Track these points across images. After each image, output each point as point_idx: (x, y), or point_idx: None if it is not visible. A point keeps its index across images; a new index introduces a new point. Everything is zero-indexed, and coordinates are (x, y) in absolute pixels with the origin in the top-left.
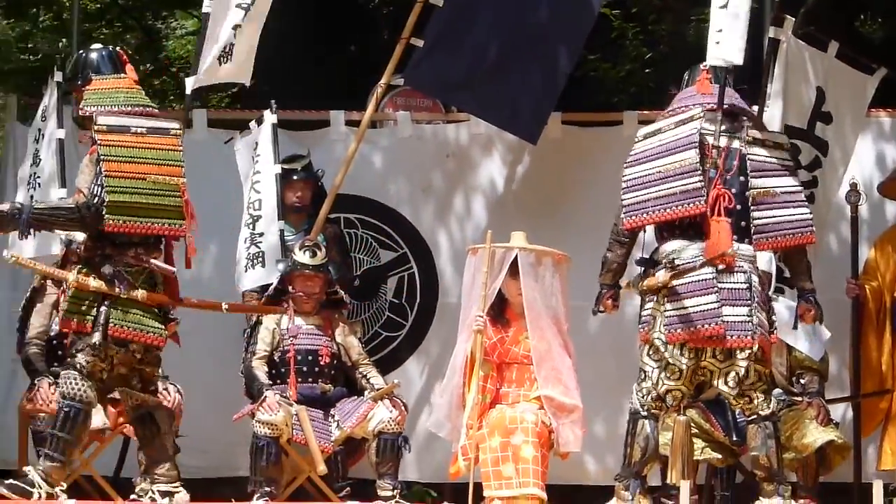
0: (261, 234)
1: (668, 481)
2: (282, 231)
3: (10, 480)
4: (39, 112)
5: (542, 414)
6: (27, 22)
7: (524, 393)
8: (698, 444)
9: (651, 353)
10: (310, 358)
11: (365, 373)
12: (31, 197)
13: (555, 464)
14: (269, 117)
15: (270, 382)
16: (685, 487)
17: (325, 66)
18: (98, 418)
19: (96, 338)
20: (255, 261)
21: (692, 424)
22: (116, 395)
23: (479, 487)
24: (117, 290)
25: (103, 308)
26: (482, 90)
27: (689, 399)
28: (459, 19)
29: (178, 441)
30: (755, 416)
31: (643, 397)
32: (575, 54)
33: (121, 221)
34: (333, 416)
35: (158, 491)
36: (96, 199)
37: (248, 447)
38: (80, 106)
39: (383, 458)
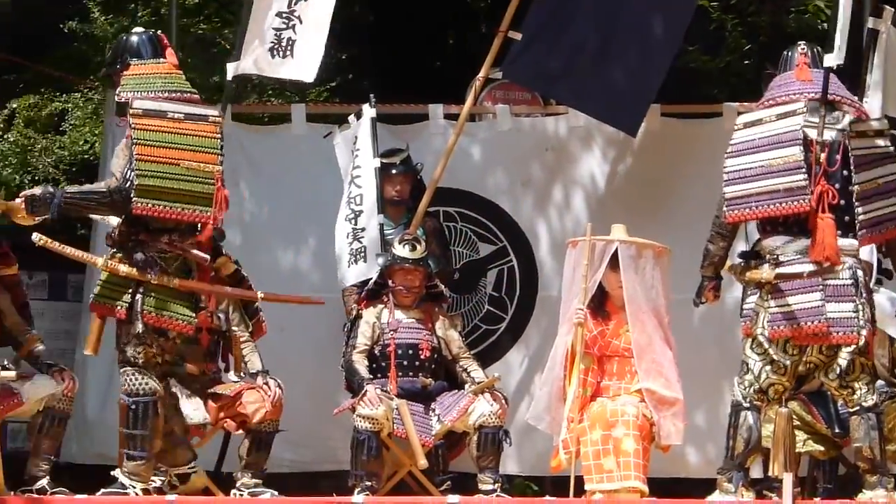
0: (362, 229)
1: (770, 474)
2: (381, 225)
3: (102, 490)
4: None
5: (643, 407)
6: (126, 18)
7: (625, 386)
8: (800, 436)
9: (754, 346)
10: (410, 352)
11: (465, 366)
12: None
13: (656, 456)
14: (369, 111)
15: (371, 377)
16: (788, 480)
17: (423, 60)
18: (199, 414)
19: (139, 327)
20: (358, 256)
21: (794, 416)
22: (217, 389)
23: (580, 481)
24: (148, 276)
25: (139, 295)
26: (581, 82)
27: (791, 392)
28: (558, 11)
29: (278, 435)
30: (858, 408)
31: (745, 389)
32: (674, 46)
33: (149, 204)
34: (434, 410)
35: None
36: (128, 183)
37: (349, 441)
38: (118, 91)
39: (484, 452)
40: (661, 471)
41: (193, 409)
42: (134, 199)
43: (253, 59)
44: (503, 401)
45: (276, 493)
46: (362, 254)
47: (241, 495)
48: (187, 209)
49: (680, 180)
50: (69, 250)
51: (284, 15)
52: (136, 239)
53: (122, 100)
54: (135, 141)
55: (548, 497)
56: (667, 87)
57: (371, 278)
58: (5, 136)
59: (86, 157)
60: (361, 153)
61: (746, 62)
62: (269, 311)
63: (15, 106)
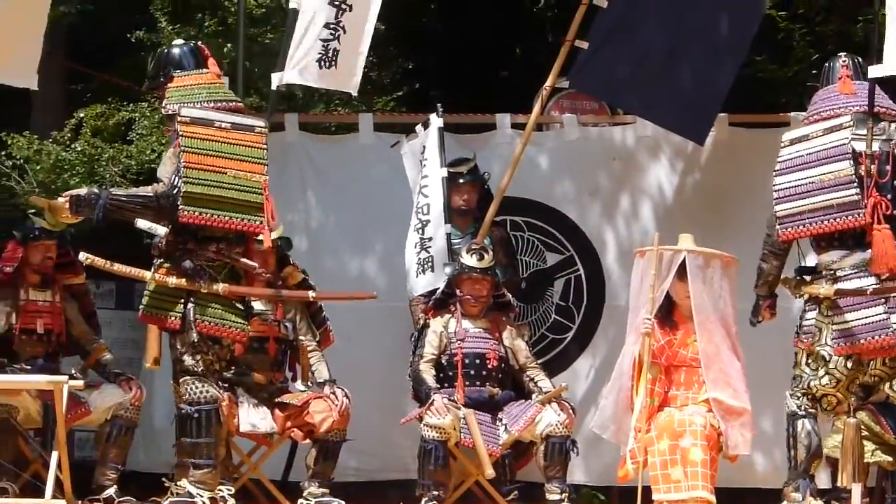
0: (430, 239)
1: (838, 484)
2: (448, 234)
3: (169, 500)
4: None
5: (710, 417)
6: (192, 27)
7: (692, 396)
8: (869, 446)
9: (810, 361)
10: (477, 361)
11: (532, 376)
12: None
13: (723, 466)
14: (436, 121)
15: (438, 386)
16: (856, 490)
17: (490, 69)
18: (266, 423)
19: (193, 336)
20: (426, 265)
21: (862, 427)
22: (284, 399)
23: (647, 491)
24: (198, 284)
25: (190, 305)
26: (648, 91)
27: (846, 404)
28: (624, 20)
29: (345, 444)
30: None
31: (798, 399)
32: (741, 55)
33: (196, 213)
34: (501, 420)
35: None
36: (175, 189)
37: (416, 450)
38: (163, 104)
39: (551, 462)
40: (729, 480)
41: (261, 419)
42: (181, 206)
43: (299, 70)
44: (570, 410)
45: (342, 502)
46: (430, 263)
47: None
48: (235, 218)
49: (747, 190)
50: (116, 267)
51: (332, 26)
52: (184, 248)
53: (169, 111)
54: (183, 148)
55: None
56: (734, 96)
57: (439, 288)
58: (72, 146)
59: (152, 166)
60: (429, 163)
61: (814, 71)
62: (337, 321)
63: (82, 115)
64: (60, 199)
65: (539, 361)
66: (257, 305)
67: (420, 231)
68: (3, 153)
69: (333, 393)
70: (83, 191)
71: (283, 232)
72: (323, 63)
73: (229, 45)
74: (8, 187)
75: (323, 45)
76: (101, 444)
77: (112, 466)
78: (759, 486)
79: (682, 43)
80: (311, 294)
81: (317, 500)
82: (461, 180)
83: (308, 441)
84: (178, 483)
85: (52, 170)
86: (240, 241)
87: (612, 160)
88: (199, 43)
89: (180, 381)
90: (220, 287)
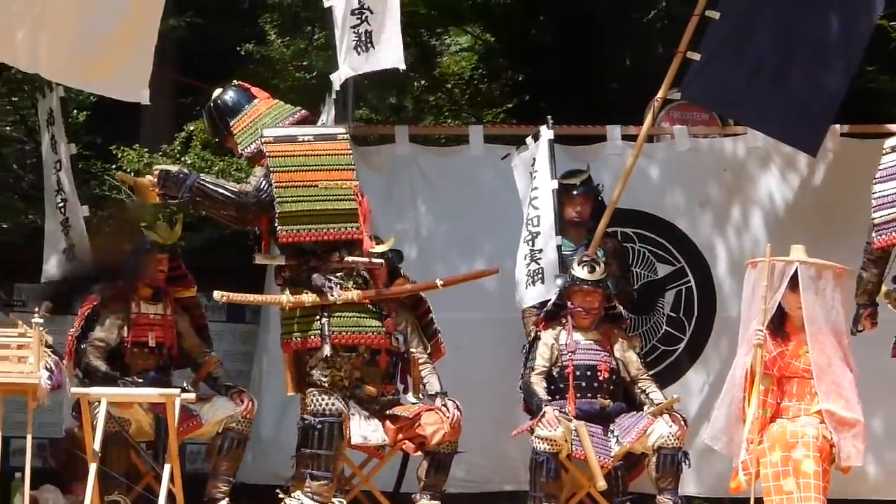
0: (540, 251)
1: None
2: (559, 246)
3: None
4: None
5: (823, 428)
6: (302, 40)
7: (805, 407)
8: None
9: None
10: (588, 373)
11: (644, 387)
12: None
13: (836, 477)
14: (546, 133)
15: (549, 398)
16: None
17: (600, 81)
18: (377, 435)
19: (326, 350)
20: (535, 277)
21: None
22: (396, 411)
23: (759, 502)
24: (332, 297)
25: (324, 319)
26: (760, 103)
27: None
28: (737, 32)
29: (457, 456)
30: None
31: None
32: (853, 66)
33: (294, 230)
34: (613, 432)
35: None
36: (262, 193)
37: (528, 462)
38: (239, 152)
39: (663, 473)
40: (842, 491)
41: (372, 431)
42: (279, 228)
43: (348, 64)
44: (682, 422)
45: None
46: (540, 275)
47: None
48: (332, 228)
49: (858, 201)
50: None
51: (356, 11)
52: (308, 267)
53: (250, 153)
54: (272, 168)
55: None
56: (846, 107)
57: (549, 300)
58: (182, 159)
59: None
60: (539, 175)
61: None
62: (448, 332)
63: (192, 128)
64: (148, 177)
65: (650, 373)
66: None
67: (530, 243)
68: (114, 167)
69: (445, 405)
70: (173, 168)
71: (394, 243)
72: (360, 48)
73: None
74: (118, 201)
75: (354, 32)
76: (213, 457)
77: (223, 479)
78: (872, 496)
79: (794, 54)
80: (438, 282)
81: None
82: (575, 192)
83: (419, 453)
84: (293, 494)
85: None
86: (356, 245)
87: (722, 171)
88: (237, 82)
89: (306, 392)
90: (354, 294)
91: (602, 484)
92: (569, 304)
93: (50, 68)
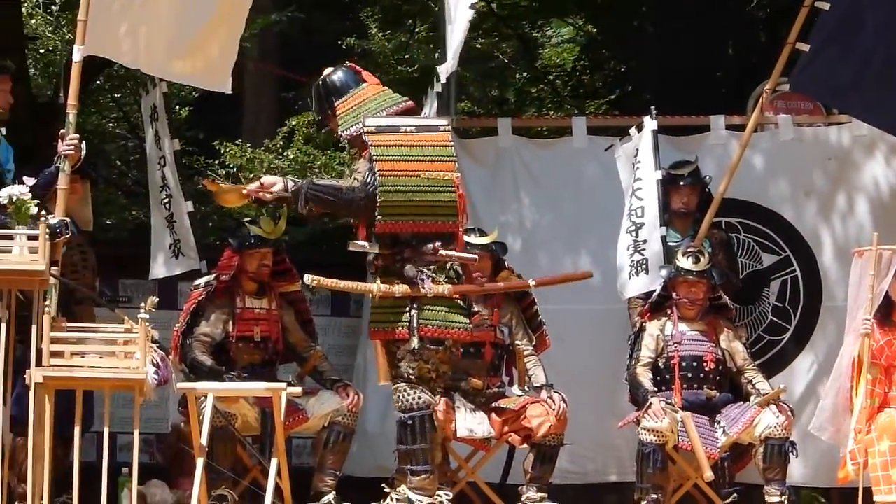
0: (644, 241)
1: None
2: (664, 237)
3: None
4: None
5: None
6: (403, 33)
7: None
8: None
9: None
10: (694, 364)
11: (750, 378)
12: None
13: None
14: (649, 123)
15: (655, 389)
16: None
17: (703, 71)
18: (483, 428)
19: (414, 342)
20: (639, 268)
21: None
22: (501, 403)
23: (868, 492)
24: (423, 290)
25: (413, 311)
26: (869, 93)
27: None
28: (847, 22)
29: (563, 448)
30: None
31: None
32: None
33: (393, 220)
34: (719, 422)
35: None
36: (370, 187)
37: (634, 453)
38: (340, 133)
39: (770, 464)
40: None
41: (478, 424)
42: (378, 217)
43: (454, 57)
44: (789, 412)
45: None
46: (643, 266)
47: None
48: (431, 220)
49: None
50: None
51: (474, 5)
52: (402, 258)
53: (349, 135)
54: (375, 157)
55: None
56: None
57: (654, 290)
58: (285, 153)
59: None
60: (643, 165)
61: None
62: (552, 324)
63: (294, 123)
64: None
65: (756, 363)
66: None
67: (633, 234)
68: (217, 161)
69: (550, 397)
70: (281, 184)
71: (497, 235)
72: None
73: (440, 50)
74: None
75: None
76: (319, 451)
77: (330, 473)
78: None
79: None
80: (531, 282)
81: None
82: (682, 183)
83: (525, 445)
84: (398, 489)
85: None
86: (453, 238)
87: (827, 159)
88: (348, 62)
89: (394, 387)
90: (445, 289)
91: (709, 475)
92: (674, 294)
93: (150, 63)
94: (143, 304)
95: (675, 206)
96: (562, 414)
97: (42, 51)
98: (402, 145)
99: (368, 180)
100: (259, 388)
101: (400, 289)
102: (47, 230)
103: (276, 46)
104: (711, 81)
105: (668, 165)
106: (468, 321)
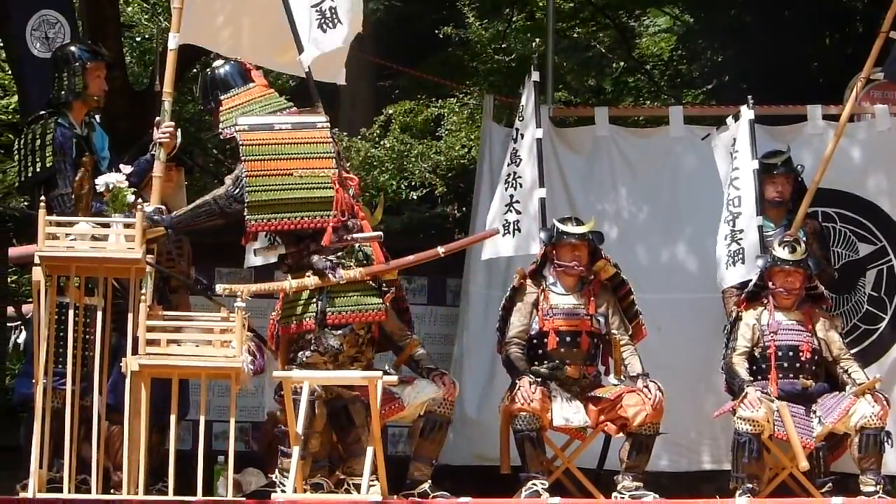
0: (741, 231)
1: None
2: (760, 227)
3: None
4: (521, 112)
5: None
6: (501, 22)
7: None
8: None
9: None
10: (790, 353)
11: (846, 367)
12: (511, 196)
13: None
14: (747, 113)
15: (751, 378)
16: None
17: (800, 61)
18: (579, 417)
19: (318, 331)
20: (736, 257)
21: None
22: (597, 393)
23: None
24: (334, 279)
25: (322, 301)
26: None
27: None
28: None
29: (659, 437)
30: None
31: None
32: None
33: (263, 220)
34: (815, 412)
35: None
36: (236, 189)
37: (730, 443)
38: (219, 128)
39: (866, 454)
40: None
41: (574, 413)
42: (248, 217)
43: (315, 42)
44: (884, 402)
45: (656, 495)
46: (740, 255)
47: (623, 498)
48: (305, 217)
49: None
50: (254, 287)
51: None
52: (309, 252)
53: (227, 135)
54: (243, 157)
55: None
56: None
57: (750, 280)
58: (382, 142)
59: (462, 161)
60: (740, 155)
61: None
62: (648, 313)
63: (391, 111)
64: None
65: (852, 352)
66: (570, 300)
67: (731, 223)
68: None
69: (647, 386)
70: (146, 223)
71: (594, 224)
72: (325, 25)
73: (538, 39)
74: None
75: (318, 11)
76: (415, 440)
77: (426, 461)
78: None
79: None
80: (440, 249)
81: (630, 493)
82: (776, 172)
83: (621, 434)
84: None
85: (362, 166)
86: (355, 223)
87: None
88: (238, 58)
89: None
90: (357, 272)
91: (804, 464)
92: (770, 284)
93: (251, 53)
94: (239, 293)
95: (769, 195)
96: (658, 403)
97: (139, 38)
98: (275, 143)
99: (237, 182)
100: (356, 376)
101: (312, 281)
102: (144, 219)
103: (373, 35)
104: (809, 72)
105: (761, 155)
106: (381, 301)
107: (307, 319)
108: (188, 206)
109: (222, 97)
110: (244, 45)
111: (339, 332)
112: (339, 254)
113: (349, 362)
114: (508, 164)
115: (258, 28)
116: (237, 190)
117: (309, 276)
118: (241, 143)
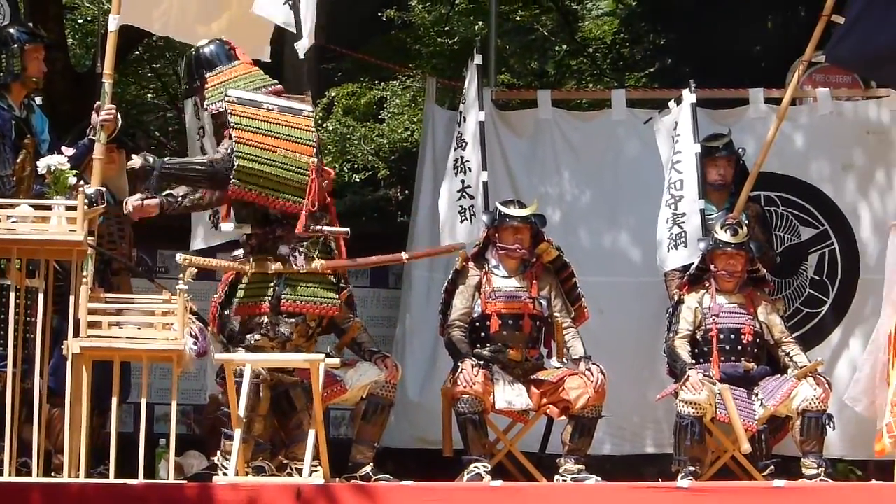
0: (683, 214)
1: None
2: (702, 210)
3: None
4: (464, 95)
5: None
6: (443, 5)
7: None
8: None
9: None
10: (732, 336)
11: (788, 350)
12: (462, 182)
13: None
14: (689, 96)
15: (693, 361)
16: None
17: (743, 44)
18: (521, 400)
19: (269, 316)
20: (678, 241)
21: None
22: (539, 375)
23: None
24: (295, 266)
25: (279, 287)
26: None
27: None
28: None
29: (601, 422)
30: None
31: None
32: None
33: (246, 188)
34: (757, 395)
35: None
36: (231, 156)
37: (672, 426)
38: (205, 106)
39: (808, 437)
40: None
41: (516, 396)
42: (233, 181)
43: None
44: (826, 385)
45: (599, 478)
46: (682, 239)
47: (565, 481)
48: (281, 197)
49: None
50: (215, 262)
51: None
52: (274, 236)
53: (214, 110)
54: (233, 125)
55: (873, 481)
56: None
57: (692, 263)
58: (324, 125)
59: (405, 144)
60: (682, 138)
61: None
62: (590, 296)
63: (334, 95)
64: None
65: (794, 335)
66: (512, 283)
67: (673, 206)
68: None
69: (589, 369)
70: (137, 163)
71: (536, 207)
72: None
73: (480, 22)
74: None
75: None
76: (357, 423)
77: (368, 444)
78: None
79: None
80: (403, 255)
81: (573, 476)
82: (717, 154)
83: (564, 417)
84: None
85: None
86: (324, 214)
87: (865, 133)
88: (223, 38)
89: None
90: (318, 264)
91: (746, 447)
92: (712, 267)
93: (176, 29)
94: (181, 275)
95: (710, 178)
96: (600, 386)
97: (81, 20)
98: (262, 120)
99: (231, 150)
100: (297, 359)
101: (273, 267)
102: (85, 200)
103: (316, 18)
104: (751, 55)
105: (703, 138)
106: (337, 297)
107: (262, 303)
108: (181, 159)
109: (207, 75)
110: (172, 23)
111: (292, 320)
112: (305, 243)
113: (294, 352)
114: (455, 149)
115: (186, 6)
116: (232, 158)
117: (270, 261)
118: (230, 112)
